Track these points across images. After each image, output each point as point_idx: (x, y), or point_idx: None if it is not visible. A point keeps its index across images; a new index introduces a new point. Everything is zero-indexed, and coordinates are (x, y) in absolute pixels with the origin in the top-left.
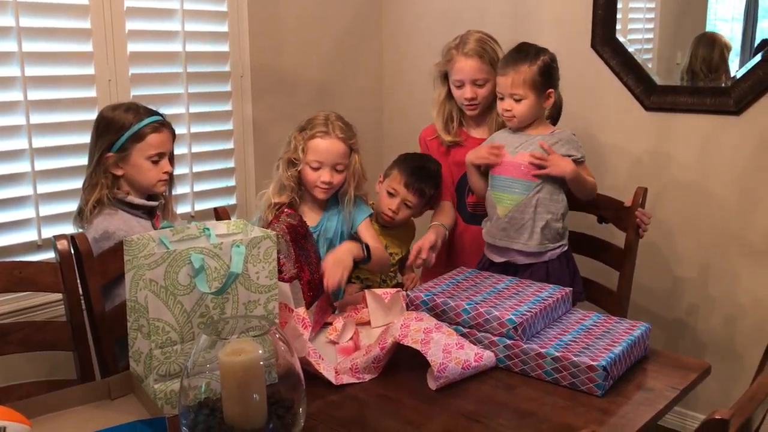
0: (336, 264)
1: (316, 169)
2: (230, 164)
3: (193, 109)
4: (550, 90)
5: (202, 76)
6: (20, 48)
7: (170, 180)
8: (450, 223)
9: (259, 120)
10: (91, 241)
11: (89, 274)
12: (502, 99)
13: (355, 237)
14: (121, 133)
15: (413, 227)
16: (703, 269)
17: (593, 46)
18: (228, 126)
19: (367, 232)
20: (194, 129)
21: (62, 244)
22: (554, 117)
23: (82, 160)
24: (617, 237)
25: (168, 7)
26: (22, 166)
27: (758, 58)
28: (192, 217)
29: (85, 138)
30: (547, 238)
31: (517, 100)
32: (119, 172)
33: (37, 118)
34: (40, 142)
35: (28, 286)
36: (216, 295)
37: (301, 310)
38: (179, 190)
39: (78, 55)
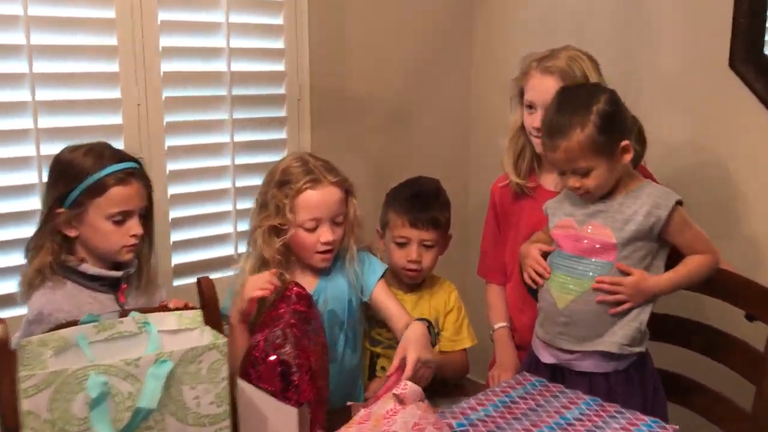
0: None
1: (312, 230)
2: None
3: (239, 138)
4: (624, 143)
5: (251, 100)
6: (31, 68)
7: (149, 243)
8: None
9: (319, 150)
10: (24, 325)
11: (3, 376)
12: (563, 174)
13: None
14: (75, 183)
15: (448, 285)
16: None
17: (732, 65)
18: (281, 157)
19: (386, 298)
20: (239, 161)
21: None
22: (638, 156)
23: None
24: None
25: (210, 21)
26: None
27: None
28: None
29: None
30: (627, 341)
31: (584, 174)
32: (72, 233)
33: (49, 149)
34: None
35: None
36: None
37: None
38: (222, 228)
39: (101, 76)
